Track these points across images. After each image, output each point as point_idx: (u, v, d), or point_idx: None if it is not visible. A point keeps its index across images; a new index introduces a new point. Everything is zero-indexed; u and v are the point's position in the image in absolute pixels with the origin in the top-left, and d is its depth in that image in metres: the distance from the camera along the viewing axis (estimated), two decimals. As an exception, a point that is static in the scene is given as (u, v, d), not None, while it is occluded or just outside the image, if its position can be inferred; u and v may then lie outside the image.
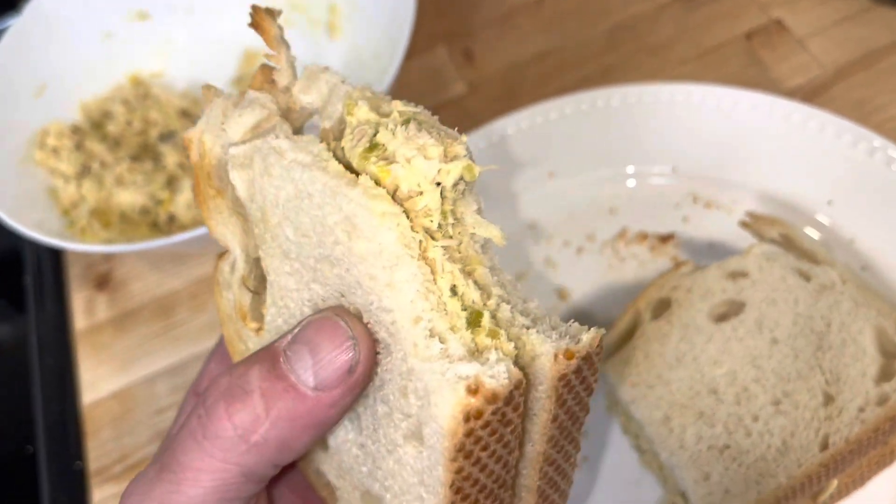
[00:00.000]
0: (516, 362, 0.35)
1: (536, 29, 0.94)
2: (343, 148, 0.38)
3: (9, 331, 0.94)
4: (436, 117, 0.38)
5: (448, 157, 0.36)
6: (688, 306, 0.63)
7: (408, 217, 0.36)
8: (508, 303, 0.37)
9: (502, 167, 0.78)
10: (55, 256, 0.92)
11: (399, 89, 0.91)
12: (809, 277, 0.61)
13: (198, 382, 0.50)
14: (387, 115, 0.38)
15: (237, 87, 0.97)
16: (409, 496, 0.39)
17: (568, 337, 0.36)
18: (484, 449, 0.35)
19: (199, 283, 0.85)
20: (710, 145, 0.75)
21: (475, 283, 0.37)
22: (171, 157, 0.87)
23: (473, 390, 0.33)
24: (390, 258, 0.35)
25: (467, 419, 0.33)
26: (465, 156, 0.36)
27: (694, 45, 0.87)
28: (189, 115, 0.94)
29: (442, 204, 0.36)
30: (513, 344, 0.36)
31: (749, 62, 0.84)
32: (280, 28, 0.43)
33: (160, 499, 0.37)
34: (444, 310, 0.35)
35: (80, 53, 0.93)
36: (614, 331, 0.64)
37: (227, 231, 0.44)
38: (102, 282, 0.88)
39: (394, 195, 0.36)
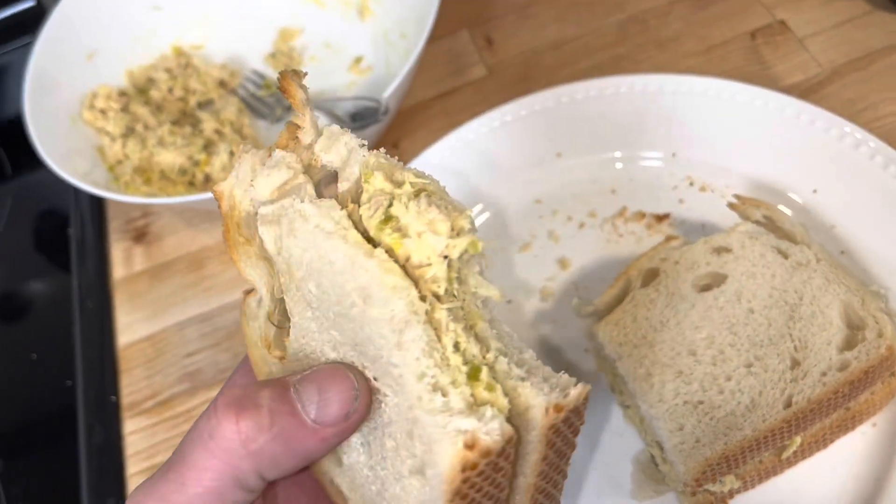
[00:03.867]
0: (510, 414, 0.39)
1: (553, 18, 1.00)
2: (360, 215, 0.43)
3: (55, 279, 1.01)
4: (444, 186, 0.43)
5: (455, 231, 0.40)
6: (675, 276, 0.69)
7: (417, 285, 0.40)
8: (505, 355, 0.41)
9: (514, 145, 0.84)
10: (97, 212, 0.99)
11: (424, 70, 0.98)
12: (787, 255, 0.67)
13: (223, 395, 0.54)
14: (400, 185, 0.42)
15: (271, 63, 1.03)
16: None
17: (558, 389, 0.40)
18: (478, 491, 0.40)
19: (230, 240, 0.92)
20: (708, 134, 0.81)
21: (476, 336, 0.41)
22: (208, 124, 0.94)
23: (470, 445, 0.37)
24: (399, 323, 0.39)
25: (464, 469, 0.37)
26: (469, 229, 0.41)
27: (700, 40, 0.93)
28: (226, 86, 1.01)
29: (448, 272, 0.40)
30: (507, 399, 0.39)
31: (751, 59, 0.90)
32: (305, 90, 0.47)
33: (164, 496, 0.41)
34: (447, 365, 0.39)
35: (129, 24, 1.00)
36: (606, 295, 0.71)
37: (254, 273, 0.49)
38: (140, 235, 0.96)
39: (405, 264, 0.40)
